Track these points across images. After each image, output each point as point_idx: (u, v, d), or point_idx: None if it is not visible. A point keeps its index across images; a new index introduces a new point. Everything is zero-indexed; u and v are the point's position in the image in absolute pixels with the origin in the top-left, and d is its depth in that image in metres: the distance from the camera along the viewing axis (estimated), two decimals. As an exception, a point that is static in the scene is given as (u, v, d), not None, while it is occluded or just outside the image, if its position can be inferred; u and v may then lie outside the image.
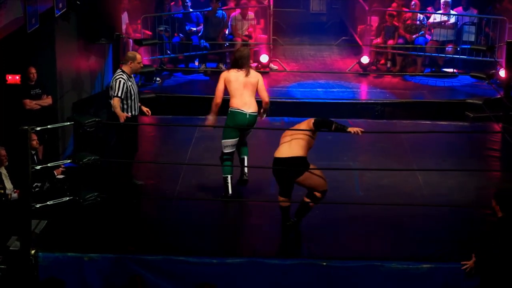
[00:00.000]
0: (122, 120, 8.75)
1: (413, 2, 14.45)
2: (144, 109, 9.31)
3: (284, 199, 7.99)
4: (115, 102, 8.81)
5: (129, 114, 8.91)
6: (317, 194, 7.94)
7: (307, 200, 7.98)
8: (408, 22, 14.26)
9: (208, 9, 14.37)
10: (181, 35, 14.35)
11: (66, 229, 8.07)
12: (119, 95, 8.81)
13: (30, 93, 10.58)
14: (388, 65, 14.43)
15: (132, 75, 9.06)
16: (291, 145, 7.80)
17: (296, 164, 7.74)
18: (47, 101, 10.70)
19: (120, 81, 8.84)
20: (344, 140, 10.19)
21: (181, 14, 14.50)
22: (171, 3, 14.60)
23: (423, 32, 14.23)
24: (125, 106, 8.90)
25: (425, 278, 7.50)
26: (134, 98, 8.98)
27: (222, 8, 14.57)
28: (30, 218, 7.54)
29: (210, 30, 14.21)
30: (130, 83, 8.92)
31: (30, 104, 10.52)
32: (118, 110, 8.80)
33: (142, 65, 9.24)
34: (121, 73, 8.94)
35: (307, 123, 7.88)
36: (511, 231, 6.84)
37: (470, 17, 14.33)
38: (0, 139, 9.23)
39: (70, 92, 11.76)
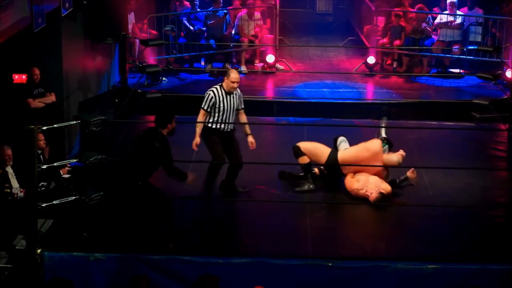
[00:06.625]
0: (193, 146, 8.80)
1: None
2: (250, 140, 8.99)
3: None
4: (199, 114, 8.79)
5: (218, 127, 8.77)
6: None
7: None
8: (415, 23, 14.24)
9: (212, 8, 14.37)
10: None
11: (71, 228, 8.08)
12: (204, 107, 8.75)
13: (33, 92, 10.60)
14: (394, 65, 14.40)
15: (229, 92, 8.74)
16: None
17: None
18: (50, 98, 10.71)
19: (209, 94, 8.75)
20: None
21: (187, 14, 14.49)
22: (177, 3, 14.59)
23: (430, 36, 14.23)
24: (214, 119, 8.77)
25: (430, 278, 7.49)
26: (225, 113, 8.75)
27: (228, 8, 14.56)
28: (36, 217, 7.54)
29: (214, 30, 14.20)
30: (221, 98, 8.71)
31: (34, 103, 10.54)
32: (198, 127, 8.78)
33: (234, 86, 8.71)
34: (215, 87, 8.80)
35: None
36: None
37: (476, 18, 14.29)
38: (7, 138, 9.24)
39: (76, 92, 11.76)
